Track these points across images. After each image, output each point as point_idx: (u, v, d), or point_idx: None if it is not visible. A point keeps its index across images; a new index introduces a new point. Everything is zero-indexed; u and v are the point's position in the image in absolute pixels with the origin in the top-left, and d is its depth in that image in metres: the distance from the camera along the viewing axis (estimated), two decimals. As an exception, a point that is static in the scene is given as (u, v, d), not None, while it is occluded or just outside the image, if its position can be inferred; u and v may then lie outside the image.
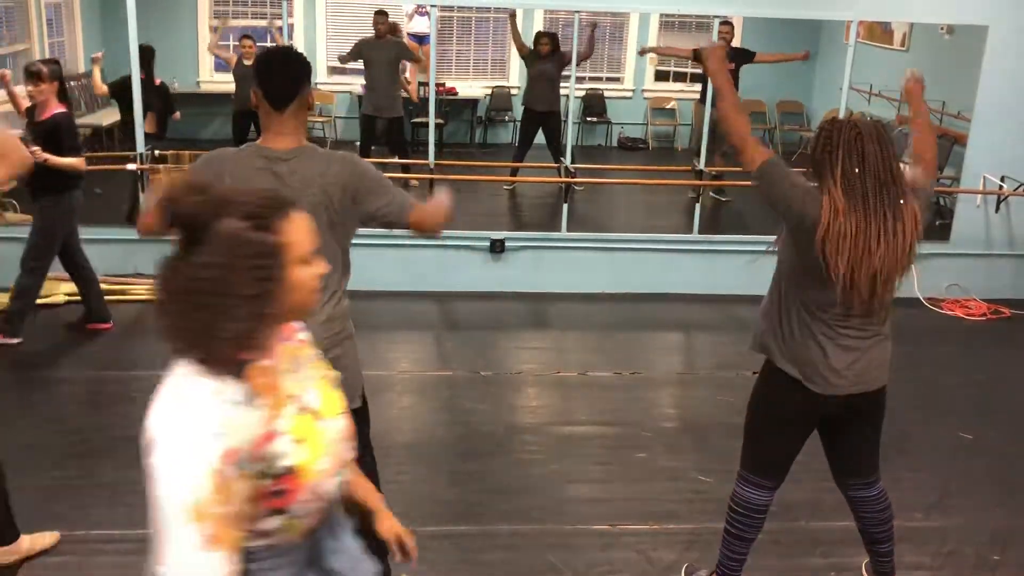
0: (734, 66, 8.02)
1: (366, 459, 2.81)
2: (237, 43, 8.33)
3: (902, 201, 2.47)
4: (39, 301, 5.23)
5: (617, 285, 6.26)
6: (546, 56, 8.14)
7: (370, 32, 8.24)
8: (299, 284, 1.45)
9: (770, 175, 2.58)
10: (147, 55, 6.26)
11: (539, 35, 8.43)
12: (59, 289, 5.60)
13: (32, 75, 4.75)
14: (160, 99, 6.52)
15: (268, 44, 9.92)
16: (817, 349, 2.60)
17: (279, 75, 2.46)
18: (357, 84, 9.46)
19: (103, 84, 6.56)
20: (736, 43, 8.68)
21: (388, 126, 8.18)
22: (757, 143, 2.65)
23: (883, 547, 2.95)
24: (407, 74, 8.99)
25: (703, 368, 5.32)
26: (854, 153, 2.44)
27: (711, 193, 8.02)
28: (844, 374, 2.61)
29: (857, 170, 2.43)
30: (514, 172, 8.35)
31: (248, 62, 8.02)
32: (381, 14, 8.13)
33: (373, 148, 8.19)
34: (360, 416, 2.71)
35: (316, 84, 9.52)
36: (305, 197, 2.42)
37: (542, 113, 8.23)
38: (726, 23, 7.96)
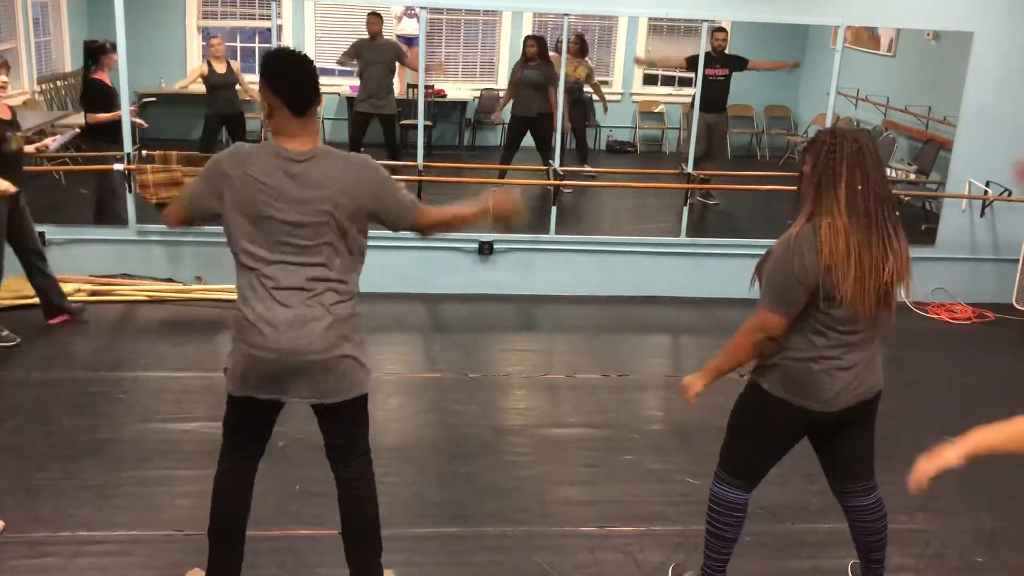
0: (727, 71, 8.05)
1: (352, 458, 2.80)
2: (205, 43, 8.24)
3: (896, 213, 2.54)
4: (25, 302, 5.21)
5: (605, 287, 6.27)
6: (533, 60, 8.12)
7: (359, 34, 8.23)
8: None
9: (780, 298, 2.54)
10: None
11: (526, 39, 8.38)
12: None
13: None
14: None
15: (253, 44, 9.89)
16: (822, 374, 2.59)
17: (300, 84, 2.52)
18: (346, 85, 9.45)
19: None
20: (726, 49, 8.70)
21: (380, 124, 8.20)
22: (755, 324, 2.62)
23: (875, 555, 2.96)
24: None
25: (690, 370, 5.27)
26: (857, 170, 2.48)
27: (698, 197, 8.04)
28: (843, 394, 2.61)
29: (860, 187, 2.47)
30: (502, 174, 8.35)
31: (218, 66, 7.95)
32: (375, 15, 8.13)
33: (362, 149, 8.18)
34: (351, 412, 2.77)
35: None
36: (316, 199, 2.45)
37: (531, 118, 8.22)
38: (720, 29, 8.00)
